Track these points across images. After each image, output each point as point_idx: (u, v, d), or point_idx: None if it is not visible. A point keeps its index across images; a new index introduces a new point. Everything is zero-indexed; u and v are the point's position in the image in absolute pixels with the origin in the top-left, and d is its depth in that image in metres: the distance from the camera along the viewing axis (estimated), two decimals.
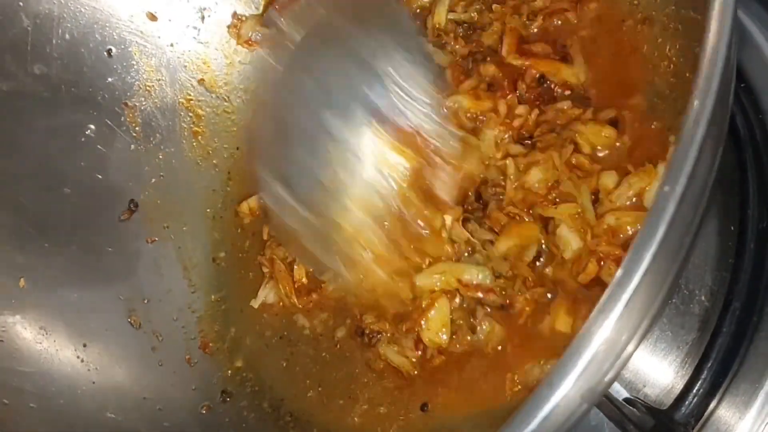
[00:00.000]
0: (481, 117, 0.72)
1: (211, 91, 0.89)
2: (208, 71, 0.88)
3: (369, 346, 0.74)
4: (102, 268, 0.79)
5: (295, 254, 0.74)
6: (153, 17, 0.85)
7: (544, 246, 0.66)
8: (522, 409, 0.41)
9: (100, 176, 0.81)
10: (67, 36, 0.79)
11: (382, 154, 0.67)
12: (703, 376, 0.63)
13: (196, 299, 0.83)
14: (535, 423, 0.41)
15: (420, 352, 0.70)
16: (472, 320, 0.68)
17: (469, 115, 0.72)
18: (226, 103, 0.89)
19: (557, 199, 0.66)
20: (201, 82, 0.88)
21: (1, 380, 0.68)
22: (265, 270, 0.82)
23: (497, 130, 0.71)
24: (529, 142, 0.70)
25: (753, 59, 0.71)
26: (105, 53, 0.82)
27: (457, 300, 0.69)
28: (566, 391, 0.41)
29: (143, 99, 0.85)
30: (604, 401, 0.61)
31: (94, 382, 0.73)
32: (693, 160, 0.41)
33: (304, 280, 0.79)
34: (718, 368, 0.63)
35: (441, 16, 0.81)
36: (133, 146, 0.84)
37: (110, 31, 0.82)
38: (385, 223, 0.68)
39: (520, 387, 0.64)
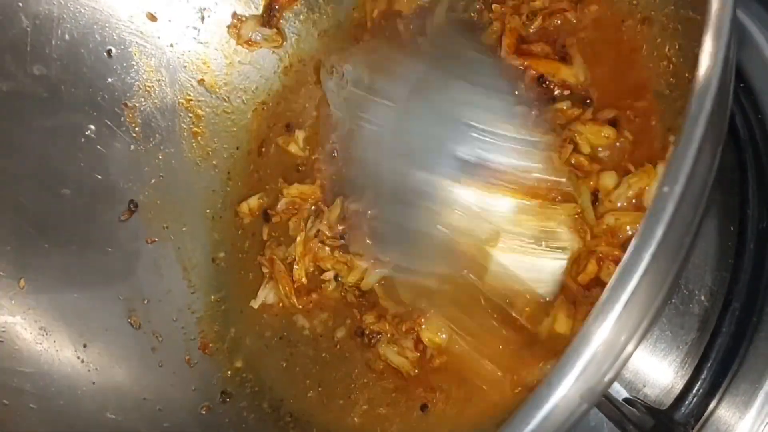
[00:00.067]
0: None
1: (211, 92, 0.89)
2: (208, 71, 0.88)
3: (369, 347, 0.74)
4: (102, 268, 0.79)
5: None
6: (153, 17, 0.85)
7: None
8: (522, 409, 0.41)
9: (100, 176, 0.81)
10: (66, 36, 0.79)
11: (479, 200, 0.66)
12: (702, 376, 0.63)
13: (195, 300, 0.83)
14: (534, 423, 0.41)
15: (419, 353, 0.70)
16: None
17: None
18: (226, 104, 0.89)
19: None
20: (201, 82, 0.88)
21: (1, 380, 0.68)
22: (265, 270, 0.82)
23: None
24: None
25: (753, 59, 0.71)
26: (105, 54, 0.82)
27: None
28: (566, 391, 0.40)
29: (143, 99, 0.85)
30: (604, 401, 0.61)
31: (94, 383, 0.73)
32: (692, 160, 0.41)
33: (304, 280, 0.79)
34: (717, 368, 0.63)
35: (441, 16, 0.81)
36: (132, 146, 0.84)
37: (110, 31, 0.82)
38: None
39: (520, 388, 0.64)
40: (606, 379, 0.44)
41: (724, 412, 0.63)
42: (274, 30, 0.89)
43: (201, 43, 0.88)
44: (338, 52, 0.82)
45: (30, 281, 0.74)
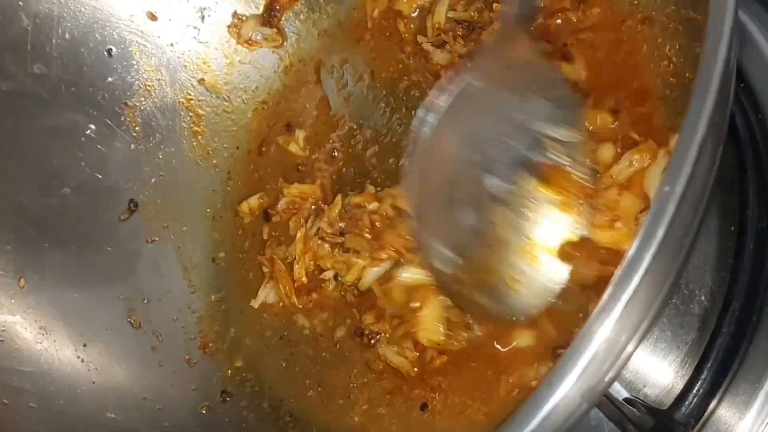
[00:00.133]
0: None
1: (211, 91, 0.89)
2: (208, 71, 0.88)
3: (368, 347, 0.74)
4: (102, 268, 0.79)
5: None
6: (153, 17, 0.85)
7: None
8: (522, 409, 0.41)
9: (100, 176, 0.81)
10: (67, 36, 0.79)
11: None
12: (702, 376, 0.63)
13: (195, 299, 0.83)
14: (534, 423, 0.41)
15: (419, 354, 0.70)
16: (467, 319, 0.69)
17: None
18: (226, 103, 0.89)
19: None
20: (201, 81, 0.88)
21: (1, 380, 0.68)
22: (265, 270, 0.82)
23: None
24: None
25: (753, 59, 0.71)
26: (105, 53, 0.82)
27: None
28: (566, 390, 0.40)
29: (143, 99, 0.85)
30: (604, 401, 0.61)
31: (94, 382, 0.73)
32: (693, 160, 0.41)
33: (304, 279, 0.79)
34: (717, 368, 0.63)
35: (441, 16, 0.81)
36: (133, 146, 0.84)
37: (110, 30, 0.82)
38: None
39: (517, 390, 0.64)
40: (606, 378, 0.44)
41: (724, 412, 0.63)
42: (275, 30, 0.89)
43: (201, 42, 0.88)
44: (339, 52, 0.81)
45: (30, 281, 0.73)
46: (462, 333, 0.69)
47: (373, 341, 0.73)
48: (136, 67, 0.84)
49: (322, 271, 0.79)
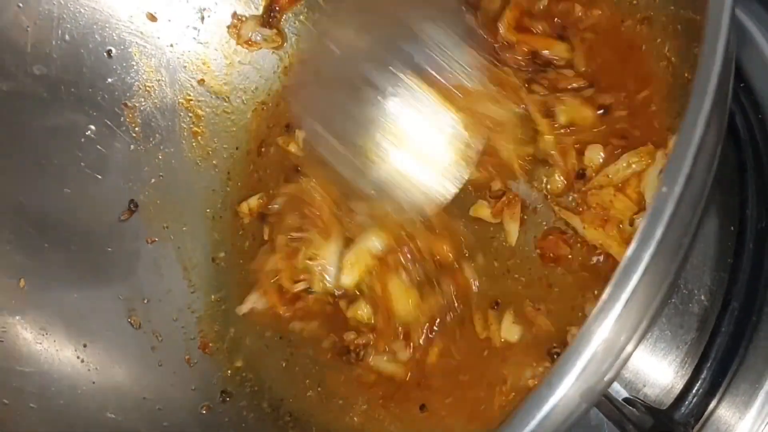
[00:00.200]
0: None
1: (211, 92, 0.89)
2: (208, 71, 0.89)
3: (357, 362, 0.73)
4: (102, 268, 0.79)
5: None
6: (153, 18, 0.85)
7: None
8: (521, 409, 0.41)
9: (100, 176, 0.82)
10: (66, 37, 0.79)
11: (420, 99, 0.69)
12: (702, 376, 0.63)
13: (195, 299, 0.83)
14: (534, 423, 0.41)
15: (412, 350, 0.70)
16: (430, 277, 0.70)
17: None
18: (225, 104, 0.89)
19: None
20: (201, 82, 0.88)
21: (1, 380, 0.68)
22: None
23: None
24: None
25: (753, 59, 0.71)
26: (105, 54, 0.82)
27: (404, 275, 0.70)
28: (565, 390, 0.41)
29: (143, 99, 0.85)
30: (604, 401, 0.61)
31: (94, 382, 0.73)
32: (691, 160, 0.41)
33: (292, 288, 0.78)
34: (717, 368, 0.63)
35: None
36: (132, 146, 0.84)
37: (110, 31, 0.82)
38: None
39: (514, 394, 0.64)
40: (606, 378, 0.44)
41: (724, 412, 0.63)
42: (274, 30, 0.89)
43: (201, 43, 0.88)
44: None
45: (30, 281, 0.74)
46: (433, 295, 0.69)
47: (361, 354, 0.73)
48: (135, 67, 0.84)
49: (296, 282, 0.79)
